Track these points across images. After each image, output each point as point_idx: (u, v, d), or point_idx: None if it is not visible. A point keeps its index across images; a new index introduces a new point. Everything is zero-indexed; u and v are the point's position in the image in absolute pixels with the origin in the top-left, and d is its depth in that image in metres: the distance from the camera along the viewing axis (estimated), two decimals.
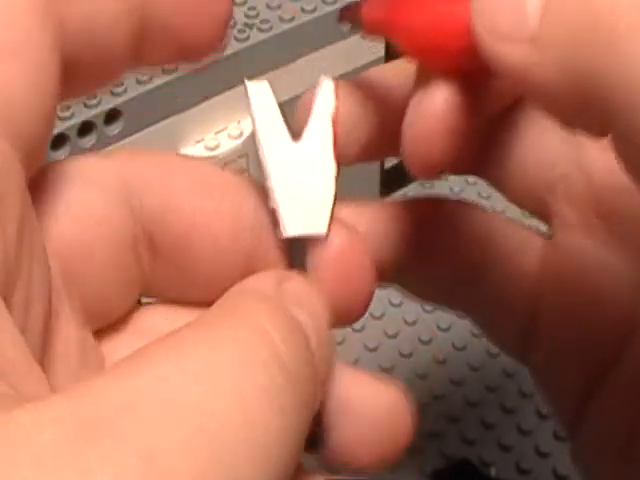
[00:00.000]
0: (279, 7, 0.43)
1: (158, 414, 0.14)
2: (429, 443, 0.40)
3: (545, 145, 0.25)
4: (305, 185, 0.23)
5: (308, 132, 0.24)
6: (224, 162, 0.42)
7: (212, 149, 0.41)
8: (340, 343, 0.43)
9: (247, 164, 0.43)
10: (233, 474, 0.14)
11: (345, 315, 0.22)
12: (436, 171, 0.22)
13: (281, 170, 0.23)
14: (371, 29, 0.22)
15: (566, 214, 0.25)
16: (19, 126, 0.18)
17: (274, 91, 0.42)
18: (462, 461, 0.39)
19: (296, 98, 0.45)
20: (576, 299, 0.25)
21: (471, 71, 0.21)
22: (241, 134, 0.42)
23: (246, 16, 0.42)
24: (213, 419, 0.14)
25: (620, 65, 0.16)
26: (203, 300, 0.22)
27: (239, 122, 0.43)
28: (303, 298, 0.20)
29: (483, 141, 0.25)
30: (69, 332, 0.20)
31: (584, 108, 0.17)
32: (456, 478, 0.39)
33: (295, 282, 0.20)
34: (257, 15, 0.42)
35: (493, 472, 0.39)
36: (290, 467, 0.15)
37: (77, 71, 0.20)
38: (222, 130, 0.42)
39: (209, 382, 0.15)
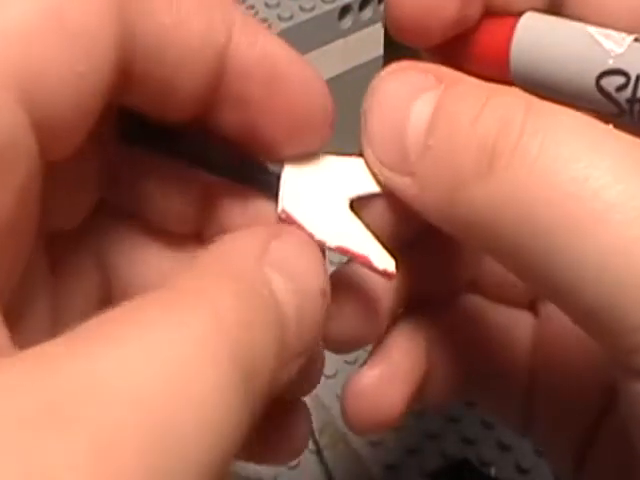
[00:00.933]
0: (278, 6, 0.42)
1: (114, 401, 0.14)
2: (429, 443, 0.40)
3: None
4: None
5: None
6: None
7: None
8: None
9: None
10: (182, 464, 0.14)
11: None
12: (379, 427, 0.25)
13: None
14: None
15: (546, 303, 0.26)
16: (45, 103, 0.17)
17: None
18: (462, 461, 0.39)
19: None
20: (566, 369, 0.26)
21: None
22: None
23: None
24: (165, 409, 0.15)
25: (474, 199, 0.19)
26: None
27: None
28: (288, 261, 0.20)
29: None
30: (39, 278, 0.20)
31: (461, 232, 0.20)
32: (456, 478, 0.39)
33: (284, 242, 0.20)
34: (256, 14, 0.42)
35: (493, 472, 0.39)
36: (237, 445, 0.16)
37: (141, 89, 0.20)
38: None
39: (162, 372, 0.15)
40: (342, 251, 0.22)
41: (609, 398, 0.25)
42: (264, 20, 0.41)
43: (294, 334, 0.19)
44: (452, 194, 0.19)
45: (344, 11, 0.43)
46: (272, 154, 0.22)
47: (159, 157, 0.22)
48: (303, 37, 0.42)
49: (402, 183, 0.21)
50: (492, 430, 0.40)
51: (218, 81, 0.21)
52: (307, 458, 0.39)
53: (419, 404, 0.27)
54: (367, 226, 0.22)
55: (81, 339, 0.15)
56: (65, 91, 0.18)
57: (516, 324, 0.27)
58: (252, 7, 0.42)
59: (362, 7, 0.43)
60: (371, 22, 0.44)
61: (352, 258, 0.22)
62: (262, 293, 0.18)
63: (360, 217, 0.23)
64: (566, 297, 0.18)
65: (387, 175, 0.21)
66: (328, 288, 0.20)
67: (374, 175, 0.22)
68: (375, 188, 0.22)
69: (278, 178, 0.22)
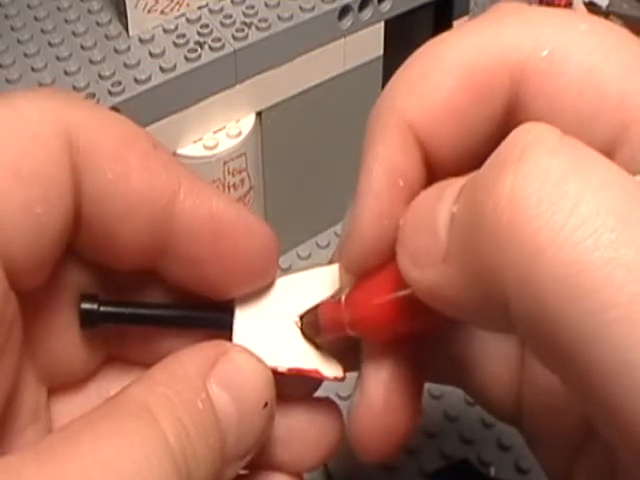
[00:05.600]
0: (278, 5, 0.42)
1: None
2: (429, 443, 0.40)
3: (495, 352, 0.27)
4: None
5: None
6: (223, 161, 0.42)
7: (211, 148, 0.41)
8: None
9: (245, 163, 0.43)
10: None
11: None
12: (388, 454, 0.25)
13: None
14: (329, 331, 0.25)
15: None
16: (5, 241, 0.20)
17: (273, 90, 0.42)
18: (462, 461, 0.39)
19: (295, 97, 0.46)
20: (552, 392, 0.26)
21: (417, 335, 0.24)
22: (240, 133, 0.42)
23: (245, 15, 0.42)
24: None
25: (514, 258, 0.17)
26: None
27: (237, 121, 0.42)
28: (232, 378, 0.22)
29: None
30: (26, 390, 0.23)
31: (489, 310, 0.19)
32: (456, 478, 0.39)
33: (229, 360, 0.22)
34: (256, 14, 0.42)
35: (492, 472, 0.39)
36: None
37: (88, 235, 0.22)
38: (221, 129, 0.42)
39: None
40: (293, 371, 0.24)
41: (591, 428, 0.24)
42: (264, 20, 0.41)
43: (234, 444, 0.22)
44: (482, 250, 0.18)
45: (344, 11, 0.43)
46: (222, 296, 0.24)
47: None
48: (303, 37, 0.42)
49: (433, 274, 0.20)
50: (492, 430, 0.40)
51: (164, 236, 0.23)
52: None
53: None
54: (313, 338, 0.25)
55: (46, 452, 0.18)
56: (24, 230, 0.20)
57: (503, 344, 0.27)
58: (252, 7, 0.42)
59: (362, 7, 0.43)
60: (371, 22, 0.44)
61: (303, 374, 0.25)
62: (202, 409, 0.21)
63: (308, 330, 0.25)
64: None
65: (420, 276, 0.20)
66: (272, 399, 0.23)
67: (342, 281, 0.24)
68: (322, 297, 0.25)
69: (231, 314, 0.25)
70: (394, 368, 0.24)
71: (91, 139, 0.22)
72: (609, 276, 0.16)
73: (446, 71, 0.22)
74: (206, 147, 0.41)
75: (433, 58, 0.22)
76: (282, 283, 0.26)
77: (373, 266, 0.23)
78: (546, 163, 0.17)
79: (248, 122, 0.43)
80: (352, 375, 0.26)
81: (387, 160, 0.22)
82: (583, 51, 0.21)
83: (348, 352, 0.25)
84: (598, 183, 0.17)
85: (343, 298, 0.24)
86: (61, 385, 0.24)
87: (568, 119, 0.21)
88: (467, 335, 0.27)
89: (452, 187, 0.20)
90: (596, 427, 0.18)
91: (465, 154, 0.22)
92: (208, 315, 0.25)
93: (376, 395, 0.24)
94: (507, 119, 0.22)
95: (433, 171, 0.23)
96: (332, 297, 0.25)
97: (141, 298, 0.25)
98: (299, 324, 0.25)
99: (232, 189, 0.43)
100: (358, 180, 0.23)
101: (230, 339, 0.24)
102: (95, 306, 0.24)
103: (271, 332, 0.25)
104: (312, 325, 0.25)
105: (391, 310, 0.23)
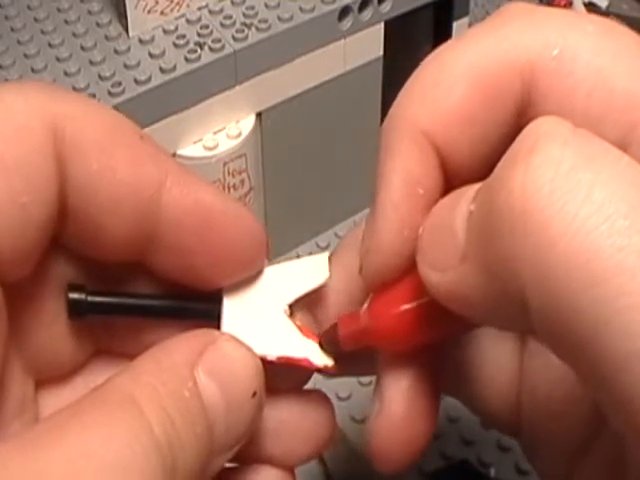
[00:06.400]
0: (278, 6, 0.42)
1: None
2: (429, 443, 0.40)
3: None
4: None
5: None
6: (223, 162, 0.42)
7: (211, 149, 0.41)
8: None
9: (245, 164, 0.43)
10: None
11: None
12: (407, 462, 0.25)
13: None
14: (348, 343, 0.24)
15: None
16: None
17: (273, 91, 0.42)
18: (461, 461, 0.39)
19: (295, 97, 0.46)
20: (551, 399, 0.26)
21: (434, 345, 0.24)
22: (240, 134, 0.42)
23: (245, 16, 0.42)
24: None
25: (528, 248, 0.17)
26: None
27: (237, 122, 0.42)
28: (220, 366, 0.22)
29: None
30: (12, 382, 0.23)
31: (506, 306, 0.18)
32: (455, 478, 0.39)
33: (217, 349, 0.22)
34: (256, 15, 0.42)
35: (492, 472, 0.39)
36: None
37: (75, 227, 0.22)
38: (221, 130, 0.42)
39: (99, 471, 0.18)
40: (282, 359, 0.24)
41: (595, 427, 0.24)
42: (264, 21, 0.41)
43: (222, 433, 0.21)
44: (499, 244, 0.18)
45: (344, 12, 0.43)
46: (210, 286, 0.24)
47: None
48: (303, 38, 0.42)
49: (451, 276, 0.20)
50: (492, 431, 0.40)
51: (151, 227, 0.23)
52: None
53: None
54: (305, 326, 0.25)
55: (31, 443, 0.18)
56: (9, 220, 0.20)
57: (503, 351, 0.27)
58: (252, 8, 0.42)
59: (362, 8, 0.43)
60: (371, 23, 0.44)
61: (293, 363, 0.24)
62: (188, 397, 0.21)
63: (298, 319, 0.25)
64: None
65: (440, 279, 0.20)
66: (261, 388, 0.23)
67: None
68: (312, 286, 0.25)
69: (219, 303, 0.25)
70: (413, 377, 0.24)
71: (77, 130, 0.22)
72: (621, 263, 0.16)
73: (457, 78, 0.22)
74: (206, 148, 0.41)
75: (443, 66, 0.22)
76: (270, 272, 0.25)
77: (394, 278, 0.23)
78: (558, 154, 0.17)
79: (248, 123, 0.43)
80: (352, 376, 0.26)
81: (404, 170, 0.22)
82: (591, 52, 0.21)
83: (360, 356, 0.25)
84: (609, 173, 0.17)
85: (363, 309, 0.24)
86: (48, 378, 0.24)
87: (577, 119, 0.21)
88: (465, 345, 0.27)
89: (469, 191, 0.20)
90: (606, 417, 0.18)
91: (480, 158, 0.23)
92: (196, 305, 0.25)
93: (397, 405, 0.24)
94: (519, 121, 0.22)
95: (449, 177, 0.23)
96: (349, 311, 0.25)
97: (129, 289, 0.25)
98: (288, 312, 0.25)
99: (232, 190, 0.43)
100: (375, 192, 0.23)
101: (219, 329, 0.24)
102: (83, 296, 0.24)
103: (260, 321, 0.25)
104: (331, 339, 0.25)
105: (411, 319, 0.23)
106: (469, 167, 0.23)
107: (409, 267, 0.22)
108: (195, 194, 0.23)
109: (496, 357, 0.27)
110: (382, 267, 0.23)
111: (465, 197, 0.20)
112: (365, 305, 0.24)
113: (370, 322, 0.24)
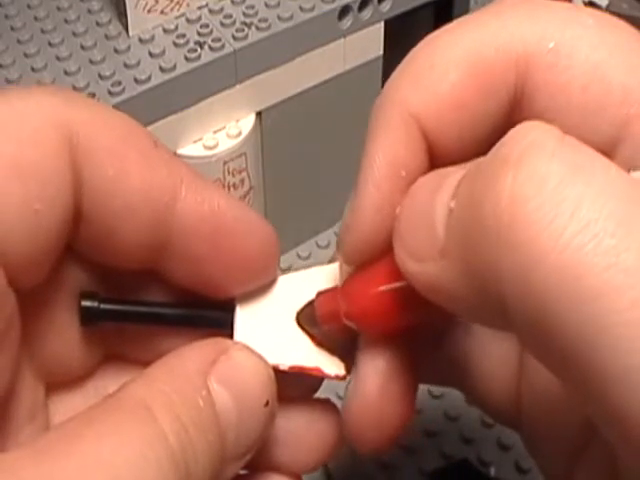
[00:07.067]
0: (278, 5, 0.42)
1: None
2: (429, 443, 0.40)
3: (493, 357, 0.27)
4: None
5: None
6: (223, 161, 0.42)
7: (211, 148, 0.41)
8: None
9: (245, 163, 0.43)
10: None
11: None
12: (381, 446, 0.25)
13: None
14: (326, 321, 0.24)
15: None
16: (4, 238, 0.20)
17: (273, 90, 0.42)
18: (461, 461, 0.39)
19: (295, 97, 0.46)
20: (549, 393, 0.26)
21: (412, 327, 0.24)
22: (239, 133, 0.42)
23: (245, 15, 0.42)
24: None
25: (513, 261, 0.17)
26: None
27: (237, 121, 0.42)
28: (232, 375, 0.22)
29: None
30: (24, 388, 0.23)
31: (485, 304, 0.18)
32: (455, 478, 0.39)
33: (230, 358, 0.22)
34: (256, 14, 0.42)
35: (492, 471, 0.39)
36: None
37: (89, 233, 0.22)
38: (221, 129, 0.42)
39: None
40: (295, 369, 0.24)
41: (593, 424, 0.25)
42: (264, 20, 0.41)
43: (233, 441, 0.22)
44: (480, 246, 0.18)
45: (344, 11, 0.43)
46: (223, 295, 0.24)
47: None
48: (303, 37, 0.42)
49: (431, 268, 0.20)
50: (492, 430, 0.40)
51: (165, 234, 0.23)
52: None
53: None
54: (315, 336, 0.25)
55: (43, 451, 0.18)
56: (23, 226, 0.20)
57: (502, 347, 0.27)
58: (252, 7, 0.42)
59: (362, 7, 0.43)
60: (371, 22, 0.44)
61: (305, 372, 0.24)
62: (202, 406, 0.21)
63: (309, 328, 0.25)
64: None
65: (417, 269, 0.20)
66: (273, 397, 0.23)
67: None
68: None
69: (232, 312, 0.25)
70: (390, 358, 0.24)
71: (91, 136, 0.21)
72: (609, 281, 0.16)
73: (451, 63, 0.22)
74: (206, 147, 0.41)
75: (438, 50, 0.22)
76: (283, 281, 0.26)
77: (372, 257, 0.23)
78: (545, 168, 0.17)
79: (248, 122, 0.43)
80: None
81: (389, 151, 0.22)
82: (589, 46, 0.21)
83: (351, 352, 0.25)
84: (598, 187, 0.17)
85: (339, 287, 0.24)
86: (59, 383, 0.24)
87: (572, 114, 0.21)
88: (466, 337, 0.27)
89: (449, 179, 0.20)
90: (596, 427, 0.18)
91: (469, 146, 0.22)
92: (209, 313, 0.25)
93: (371, 383, 0.24)
94: (512, 112, 0.22)
95: (435, 162, 0.23)
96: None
97: (141, 297, 0.25)
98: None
99: (232, 189, 0.43)
100: (359, 171, 0.23)
101: (231, 338, 0.24)
102: (95, 303, 0.24)
103: (272, 330, 0.25)
104: (309, 316, 0.25)
105: (387, 301, 0.23)
106: (457, 153, 0.22)
107: (388, 247, 0.22)
108: (210, 201, 0.23)
109: (497, 350, 0.27)
110: (361, 244, 0.23)
111: (445, 186, 0.20)
112: (343, 283, 0.24)
113: (345, 301, 0.23)
